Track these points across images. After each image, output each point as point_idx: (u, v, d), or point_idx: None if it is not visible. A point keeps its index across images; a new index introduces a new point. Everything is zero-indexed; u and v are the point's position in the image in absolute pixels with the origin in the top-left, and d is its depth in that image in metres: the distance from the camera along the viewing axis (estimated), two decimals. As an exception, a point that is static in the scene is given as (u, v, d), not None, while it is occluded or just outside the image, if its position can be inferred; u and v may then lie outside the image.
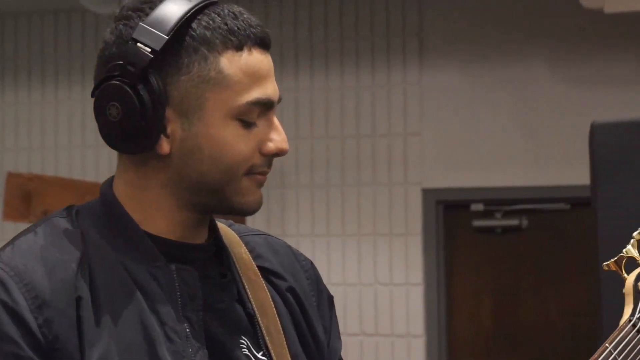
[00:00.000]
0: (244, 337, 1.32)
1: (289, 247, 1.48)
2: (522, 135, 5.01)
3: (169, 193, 1.29)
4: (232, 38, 1.27)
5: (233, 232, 1.41)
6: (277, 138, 1.29)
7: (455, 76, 5.11)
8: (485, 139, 5.04)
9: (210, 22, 1.26)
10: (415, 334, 5.09)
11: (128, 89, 1.24)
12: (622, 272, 1.32)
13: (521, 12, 5.04)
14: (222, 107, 1.27)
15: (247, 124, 1.28)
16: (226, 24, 1.27)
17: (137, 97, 1.24)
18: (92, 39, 5.53)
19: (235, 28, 1.27)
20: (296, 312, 1.40)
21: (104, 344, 1.20)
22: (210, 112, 1.26)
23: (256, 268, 1.39)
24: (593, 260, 2.36)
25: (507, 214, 5.13)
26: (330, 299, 1.47)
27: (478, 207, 5.14)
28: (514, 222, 5.10)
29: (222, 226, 1.40)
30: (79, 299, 1.21)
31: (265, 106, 1.28)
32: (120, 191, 1.31)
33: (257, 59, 1.28)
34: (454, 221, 5.20)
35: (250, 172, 1.29)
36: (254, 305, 1.35)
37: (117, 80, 1.24)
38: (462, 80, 5.10)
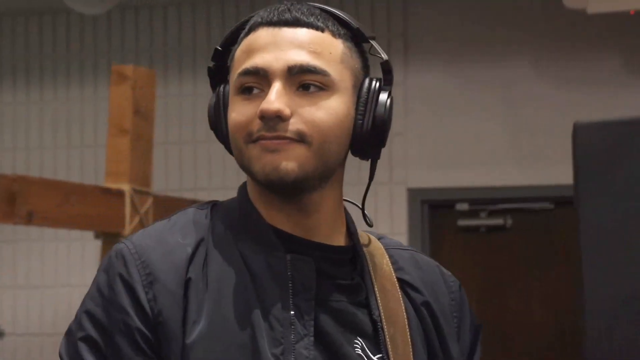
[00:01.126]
0: (359, 338, 1.34)
1: (438, 266, 1.48)
2: (506, 135, 5.03)
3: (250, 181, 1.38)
4: (246, 27, 1.37)
5: (380, 244, 1.45)
6: (264, 101, 1.30)
7: (440, 76, 5.13)
8: (469, 138, 5.06)
9: (251, 21, 1.37)
10: (400, 333, 5.10)
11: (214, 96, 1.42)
12: None
13: (505, 13, 5.06)
14: (231, 88, 1.36)
15: (247, 97, 1.32)
16: (256, 18, 1.37)
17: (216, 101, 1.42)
18: (77, 40, 5.52)
19: (254, 18, 1.37)
20: (429, 327, 1.40)
21: (205, 324, 1.27)
22: (230, 96, 1.36)
23: (395, 279, 1.41)
24: (576, 258, 2.38)
25: (491, 214, 5.15)
26: (477, 327, 1.48)
27: (463, 206, 5.16)
28: (498, 221, 5.12)
29: (372, 237, 1.45)
30: (188, 281, 1.29)
31: (255, 75, 1.32)
32: (251, 188, 1.38)
33: (257, 35, 1.34)
34: (439, 221, 5.22)
35: (250, 139, 1.31)
36: (382, 313, 1.36)
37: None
38: (447, 80, 5.12)
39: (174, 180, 5.31)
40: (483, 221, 5.16)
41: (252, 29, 1.35)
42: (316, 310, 1.31)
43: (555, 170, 4.79)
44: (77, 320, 1.31)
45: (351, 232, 1.42)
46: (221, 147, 1.40)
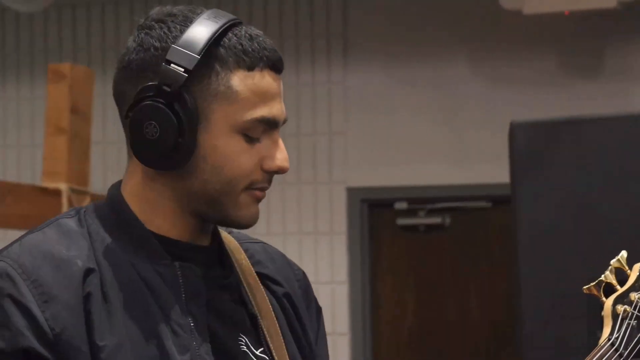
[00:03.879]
0: (242, 335, 1.38)
1: (284, 255, 1.54)
2: (444, 134, 5.08)
3: (173, 198, 1.36)
4: (245, 58, 1.34)
5: (233, 238, 1.48)
6: (279, 156, 1.36)
7: (379, 76, 5.16)
8: (408, 138, 5.09)
9: (227, 41, 1.33)
10: (340, 332, 5.12)
11: (166, 109, 1.31)
12: (601, 295, 1.46)
13: (443, 13, 5.10)
14: (228, 120, 1.33)
15: (251, 140, 1.34)
16: (241, 44, 1.34)
17: (175, 116, 1.31)
18: (13, 38, 5.44)
19: (250, 49, 1.34)
20: (291, 316, 1.46)
21: (115, 338, 1.27)
22: (215, 123, 1.33)
23: (255, 274, 1.45)
24: (513, 256, 2.41)
25: (430, 212, 5.19)
26: (319, 309, 1.53)
27: (402, 205, 5.19)
28: (437, 220, 5.16)
29: (223, 232, 1.46)
30: (88, 295, 1.28)
31: (270, 124, 1.35)
32: (128, 193, 1.40)
33: (267, 81, 1.35)
34: (378, 220, 5.24)
35: (249, 187, 1.36)
36: (255, 307, 1.41)
37: (153, 100, 1.32)
38: (386, 79, 5.15)
39: (112, 179, 5.23)
40: (422, 220, 5.20)
41: (256, 65, 1.34)
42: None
43: (493, 169, 4.84)
44: None
45: (214, 230, 1.44)
46: None
